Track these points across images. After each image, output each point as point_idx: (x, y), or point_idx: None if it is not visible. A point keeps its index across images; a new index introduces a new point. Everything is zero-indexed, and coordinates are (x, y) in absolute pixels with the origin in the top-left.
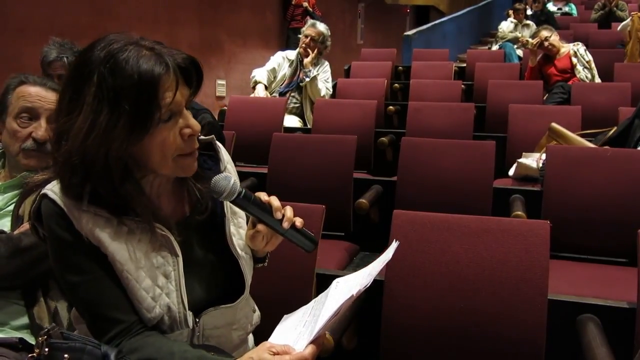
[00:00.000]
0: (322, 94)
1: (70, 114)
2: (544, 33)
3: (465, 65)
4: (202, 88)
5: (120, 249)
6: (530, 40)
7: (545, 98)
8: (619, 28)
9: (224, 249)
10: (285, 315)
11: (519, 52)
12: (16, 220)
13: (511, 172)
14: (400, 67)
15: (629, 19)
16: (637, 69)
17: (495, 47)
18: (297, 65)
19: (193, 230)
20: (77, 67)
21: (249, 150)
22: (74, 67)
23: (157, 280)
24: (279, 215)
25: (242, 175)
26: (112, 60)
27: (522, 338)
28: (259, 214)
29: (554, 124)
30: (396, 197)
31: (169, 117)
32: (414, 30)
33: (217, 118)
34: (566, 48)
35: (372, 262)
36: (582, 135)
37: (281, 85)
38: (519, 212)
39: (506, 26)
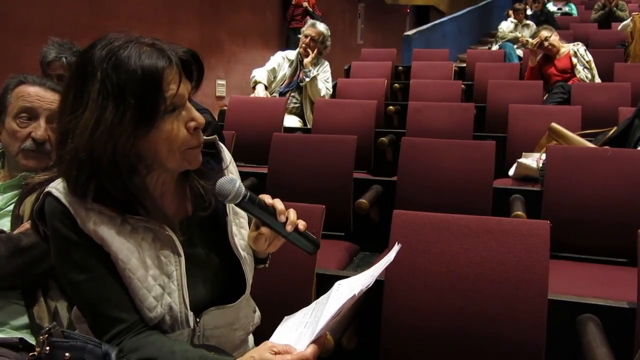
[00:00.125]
0: (322, 94)
1: (75, 112)
2: (544, 33)
3: (465, 65)
4: (202, 88)
5: (123, 248)
6: (530, 40)
7: (545, 98)
8: (619, 28)
9: (226, 249)
10: (285, 317)
11: (519, 52)
12: (16, 220)
13: (511, 172)
14: (400, 67)
15: (629, 20)
16: (637, 69)
17: (495, 47)
18: (297, 65)
19: (195, 229)
20: (79, 66)
21: (249, 150)
22: (76, 66)
23: (159, 279)
24: (282, 219)
25: (242, 175)
26: (114, 57)
27: (522, 338)
28: (263, 216)
29: (554, 124)
30: (396, 197)
31: (173, 109)
32: (414, 30)
33: (217, 118)
34: (566, 48)
35: (372, 262)
36: (582, 135)
37: (281, 85)
38: (519, 212)
39: (506, 26)
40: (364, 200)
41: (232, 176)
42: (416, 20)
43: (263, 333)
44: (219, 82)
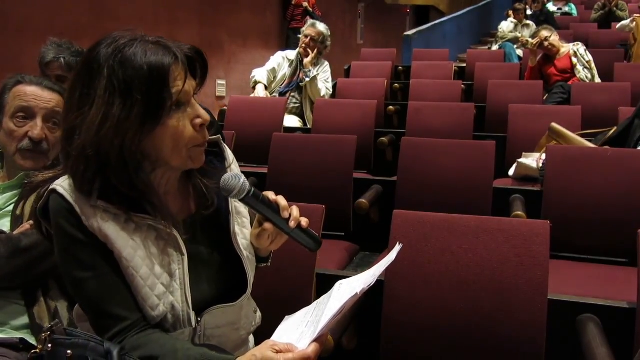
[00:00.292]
0: (322, 94)
1: (82, 109)
2: (544, 33)
3: (465, 65)
4: (204, 85)
5: (127, 246)
6: (530, 40)
7: (545, 98)
8: (617, 27)
9: (228, 248)
10: (286, 316)
11: (519, 52)
12: (15, 221)
13: (511, 172)
14: (400, 67)
15: (629, 20)
16: (637, 69)
17: (495, 47)
18: (297, 65)
19: (198, 228)
20: (85, 64)
21: (249, 150)
22: (81, 64)
23: (162, 278)
24: (285, 215)
25: None
26: (120, 54)
27: (522, 338)
28: (267, 212)
29: (554, 124)
30: (396, 197)
31: (179, 106)
32: (414, 30)
33: (217, 118)
34: (566, 48)
35: (372, 262)
36: (582, 135)
37: (281, 85)
38: (519, 212)
39: (506, 26)
40: (364, 200)
41: (237, 172)
42: (416, 20)
43: (263, 333)
44: (219, 82)
